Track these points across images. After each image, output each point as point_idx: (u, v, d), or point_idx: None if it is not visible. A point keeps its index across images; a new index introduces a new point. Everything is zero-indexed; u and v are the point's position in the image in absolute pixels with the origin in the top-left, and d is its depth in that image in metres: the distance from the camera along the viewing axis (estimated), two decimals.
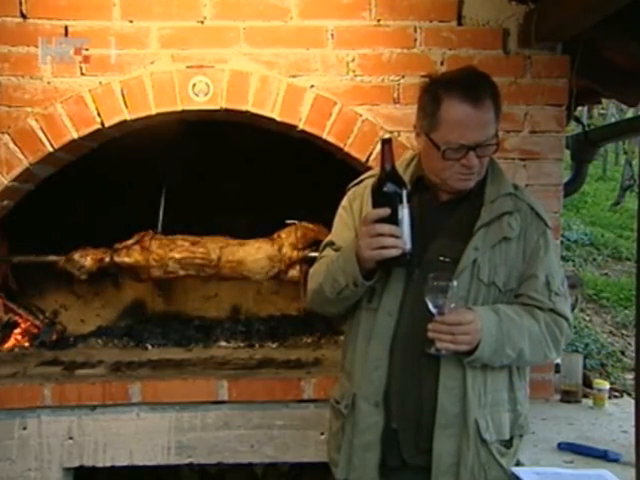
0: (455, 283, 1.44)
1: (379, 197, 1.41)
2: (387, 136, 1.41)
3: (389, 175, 1.42)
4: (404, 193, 1.41)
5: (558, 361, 2.61)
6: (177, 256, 2.65)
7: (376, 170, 1.60)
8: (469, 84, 1.50)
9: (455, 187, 1.56)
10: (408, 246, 1.40)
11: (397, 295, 1.55)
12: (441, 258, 1.54)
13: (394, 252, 1.40)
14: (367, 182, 1.64)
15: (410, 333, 1.53)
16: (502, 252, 1.55)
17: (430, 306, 1.44)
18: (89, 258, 2.64)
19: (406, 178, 1.57)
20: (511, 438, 1.60)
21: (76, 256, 2.64)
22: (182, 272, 2.67)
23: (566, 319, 1.58)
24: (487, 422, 1.54)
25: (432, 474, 1.53)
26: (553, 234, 1.66)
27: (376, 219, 1.42)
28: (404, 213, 1.40)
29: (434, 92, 1.51)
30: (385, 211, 1.40)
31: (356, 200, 1.67)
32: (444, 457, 1.52)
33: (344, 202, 1.72)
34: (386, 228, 1.40)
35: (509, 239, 1.55)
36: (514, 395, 1.60)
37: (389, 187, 1.40)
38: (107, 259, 2.66)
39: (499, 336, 1.47)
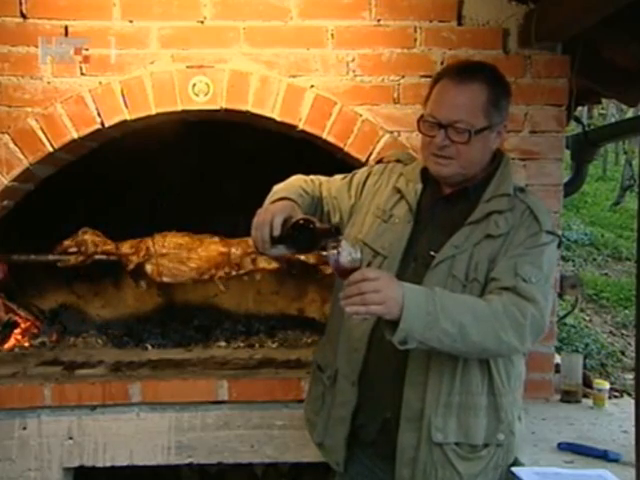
0: (342, 239, 1.40)
1: (291, 228, 1.50)
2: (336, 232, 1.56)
3: (311, 228, 1.49)
4: (295, 245, 1.52)
5: (558, 361, 2.61)
6: (178, 232, 2.69)
7: (403, 156, 1.80)
8: (464, 66, 1.57)
9: (431, 170, 1.58)
10: (268, 252, 1.55)
11: None
12: (431, 252, 1.54)
13: (257, 245, 1.54)
14: (391, 167, 1.74)
15: None
16: (485, 249, 1.51)
17: (337, 275, 1.41)
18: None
19: (417, 174, 1.66)
20: (486, 445, 1.55)
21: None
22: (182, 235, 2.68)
23: (533, 303, 1.44)
24: (446, 422, 1.51)
25: (396, 464, 1.56)
26: (553, 242, 1.54)
27: (273, 222, 1.49)
28: (280, 249, 1.53)
29: (435, 76, 1.58)
30: (277, 229, 1.49)
31: (375, 176, 1.74)
32: (406, 450, 1.55)
33: (365, 168, 1.81)
34: (265, 233, 1.49)
35: (493, 236, 1.52)
36: (496, 401, 1.54)
37: (298, 233, 1.49)
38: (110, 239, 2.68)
39: (431, 308, 1.36)
